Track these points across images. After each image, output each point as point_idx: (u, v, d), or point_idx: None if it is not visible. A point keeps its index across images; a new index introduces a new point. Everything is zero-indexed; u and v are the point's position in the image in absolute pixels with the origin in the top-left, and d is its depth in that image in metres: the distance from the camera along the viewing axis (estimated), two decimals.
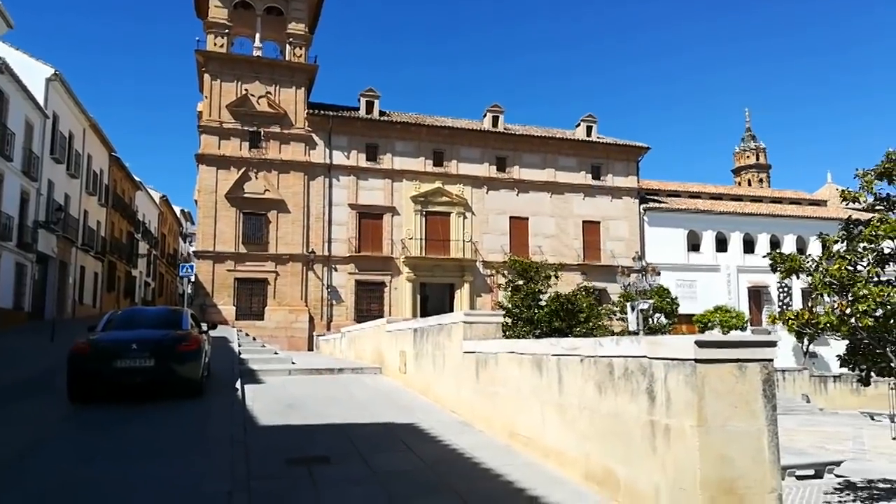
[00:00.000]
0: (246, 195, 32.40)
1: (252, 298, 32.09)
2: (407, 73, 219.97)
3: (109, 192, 38.77)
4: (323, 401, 11.03)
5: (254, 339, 26.05)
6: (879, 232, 9.25)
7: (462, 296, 34.82)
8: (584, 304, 20.65)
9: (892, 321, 8.97)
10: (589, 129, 39.29)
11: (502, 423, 7.77)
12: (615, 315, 29.32)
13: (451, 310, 32.38)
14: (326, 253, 33.34)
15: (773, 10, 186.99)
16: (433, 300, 35.44)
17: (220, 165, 32.26)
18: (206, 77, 32.87)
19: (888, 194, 10.05)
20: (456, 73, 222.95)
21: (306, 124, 33.86)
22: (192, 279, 28.71)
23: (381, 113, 36.25)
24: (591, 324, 20.28)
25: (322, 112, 34.40)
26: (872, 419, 27.44)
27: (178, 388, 9.84)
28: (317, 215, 33.46)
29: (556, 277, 23.12)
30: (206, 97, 32.96)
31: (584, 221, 37.73)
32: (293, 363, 16.60)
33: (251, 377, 13.56)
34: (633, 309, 24.49)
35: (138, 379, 9.49)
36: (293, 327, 32.00)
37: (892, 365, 9.47)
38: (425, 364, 11.56)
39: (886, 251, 9.67)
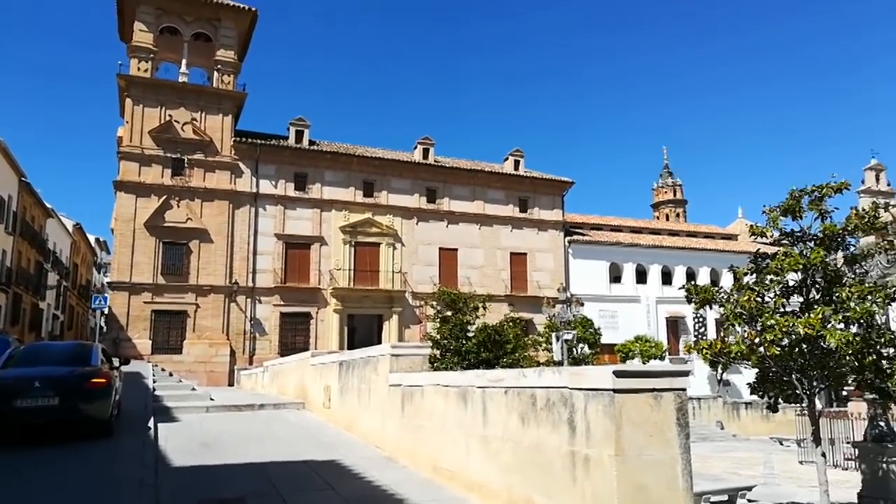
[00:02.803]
0: (166, 224, 31.26)
1: (170, 332, 30.76)
2: (338, 102, 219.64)
3: (17, 220, 36.60)
4: (242, 439, 10.64)
5: (170, 374, 24.91)
6: (784, 265, 9.80)
7: (391, 327, 34.55)
8: (511, 335, 20.88)
9: (796, 350, 9.46)
10: (517, 164, 40.22)
11: (427, 458, 7.69)
12: (541, 345, 29.83)
13: (379, 341, 32.07)
14: (251, 284, 32.47)
15: (686, 52, 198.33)
16: (361, 332, 34.99)
17: (140, 193, 31.09)
18: (128, 102, 31.79)
19: (792, 229, 10.65)
20: (387, 104, 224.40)
21: (233, 152, 33.17)
22: (106, 312, 27.31)
23: (311, 142, 35.97)
24: (517, 354, 20.50)
25: (249, 140, 33.81)
26: (781, 444, 28.67)
27: (85, 429, 9.30)
28: (241, 245, 32.62)
29: (484, 308, 23.30)
30: (127, 122, 31.82)
31: (511, 253, 38.37)
32: (211, 399, 15.96)
33: (166, 415, 12.94)
34: (557, 339, 24.91)
35: (42, 419, 8.93)
36: (213, 361, 30.82)
37: (798, 392, 9.96)
38: (350, 398, 11.35)
39: (791, 283, 10.23)
